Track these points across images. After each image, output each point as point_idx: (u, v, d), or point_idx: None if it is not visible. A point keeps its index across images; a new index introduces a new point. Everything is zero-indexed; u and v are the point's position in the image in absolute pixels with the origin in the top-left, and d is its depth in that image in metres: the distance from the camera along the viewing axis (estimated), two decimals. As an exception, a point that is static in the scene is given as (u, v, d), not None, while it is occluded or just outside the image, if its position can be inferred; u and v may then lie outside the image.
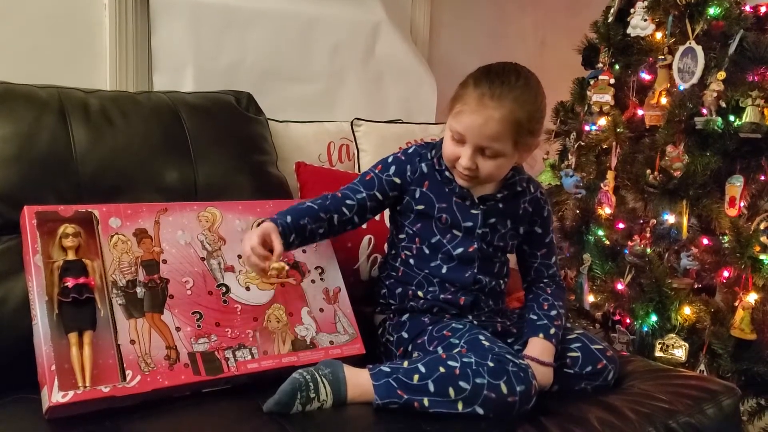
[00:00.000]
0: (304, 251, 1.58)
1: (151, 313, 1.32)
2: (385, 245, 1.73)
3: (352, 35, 2.43)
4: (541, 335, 1.48)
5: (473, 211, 1.52)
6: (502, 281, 1.61)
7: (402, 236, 1.58)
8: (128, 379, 1.23)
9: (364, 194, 1.54)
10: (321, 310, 1.52)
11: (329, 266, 1.59)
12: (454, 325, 1.46)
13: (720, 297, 2.06)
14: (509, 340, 1.53)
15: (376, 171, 1.57)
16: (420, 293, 1.54)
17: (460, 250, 1.53)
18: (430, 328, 1.48)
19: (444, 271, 1.53)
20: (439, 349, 1.40)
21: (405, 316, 1.55)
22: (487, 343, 1.35)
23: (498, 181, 1.53)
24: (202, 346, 1.33)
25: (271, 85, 2.24)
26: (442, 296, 1.53)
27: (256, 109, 1.96)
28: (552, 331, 1.48)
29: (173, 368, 1.28)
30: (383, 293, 1.62)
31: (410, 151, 1.58)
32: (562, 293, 1.64)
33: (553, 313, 1.54)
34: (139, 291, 1.33)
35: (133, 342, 1.27)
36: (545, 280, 1.64)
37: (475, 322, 1.51)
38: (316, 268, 1.58)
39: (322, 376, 1.28)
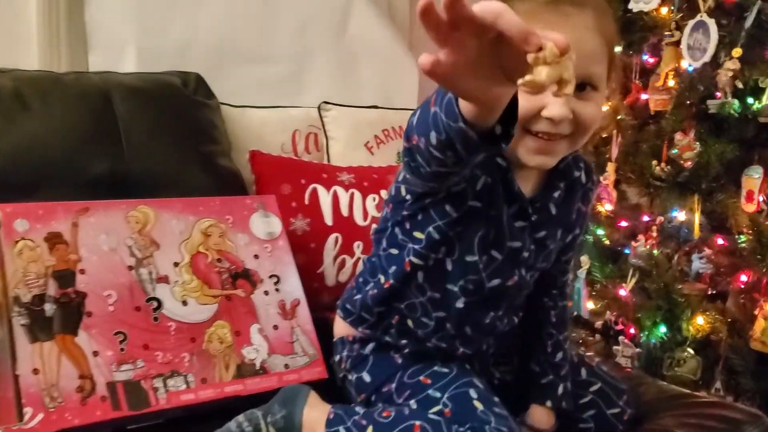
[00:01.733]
0: (256, 256, 1.41)
1: (62, 334, 1.15)
2: (374, 236, 1.26)
3: (320, 11, 2.30)
4: (548, 403, 1.24)
5: (518, 224, 1.12)
6: (515, 320, 1.27)
7: (419, 235, 1.12)
8: (27, 418, 1.05)
9: None
10: (275, 327, 1.36)
11: (287, 274, 1.44)
12: (436, 368, 1.16)
13: (737, 304, 1.96)
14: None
15: None
16: (410, 322, 1.19)
17: (495, 282, 1.13)
18: (401, 372, 1.18)
19: (460, 305, 1.15)
20: (412, 403, 1.13)
21: (369, 347, 1.23)
22: (480, 407, 1.07)
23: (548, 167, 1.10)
24: (124, 374, 1.16)
25: (228, 66, 2.10)
26: (435, 338, 1.19)
27: (206, 93, 1.82)
28: (560, 391, 1.25)
29: (86, 402, 1.11)
30: (356, 299, 1.24)
31: None
32: (566, 310, 1.33)
33: (559, 357, 1.27)
34: (49, 308, 1.16)
35: (36, 371, 1.09)
36: (553, 292, 1.30)
37: (467, 366, 1.20)
38: (270, 276, 1.42)
39: (270, 425, 1.10)
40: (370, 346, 1.23)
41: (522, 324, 1.28)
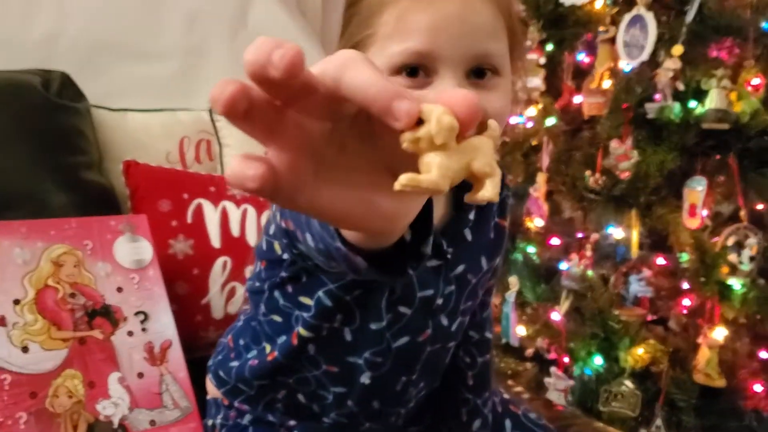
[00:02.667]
0: (119, 290, 1.27)
1: None
2: (249, 295, 1.08)
3: (214, 2, 2.17)
4: None
5: (432, 263, 0.95)
6: (433, 385, 1.10)
7: (306, 301, 0.94)
8: None
9: None
10: (140, 375, 1.21)
11: (157, 310, 1.29)
12: None
13: (679, 332, 1.92)
14: None
15: None
16: (301, 397, 1.02)
17: (403, 340, 0.95)
18: None
19: (365, 380, 0.98)
20: None
21: (248, 417, 1.07)
22: None
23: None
24: None
25: (105, 64, 1.93)
26: (334, 414, 1.02)
27: (72, 95, 1.66)
28: None
29: None
30: (232, 367, 1.06)
31: None
32: (488, 366, 1.14)
33: (477, 426, 1.10)
34: None
35: None
36: (471, 337, 1.11)
37: None
38: (136, 314, 1.27)
39: None
40: (248, 418, 1.07)
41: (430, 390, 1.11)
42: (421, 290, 0.92)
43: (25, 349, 1.12)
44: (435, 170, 0.40)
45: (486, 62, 0.83)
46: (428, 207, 0.55)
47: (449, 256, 0.93)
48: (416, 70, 0.81)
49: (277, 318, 0.97)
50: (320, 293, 0.89)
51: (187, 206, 1.60)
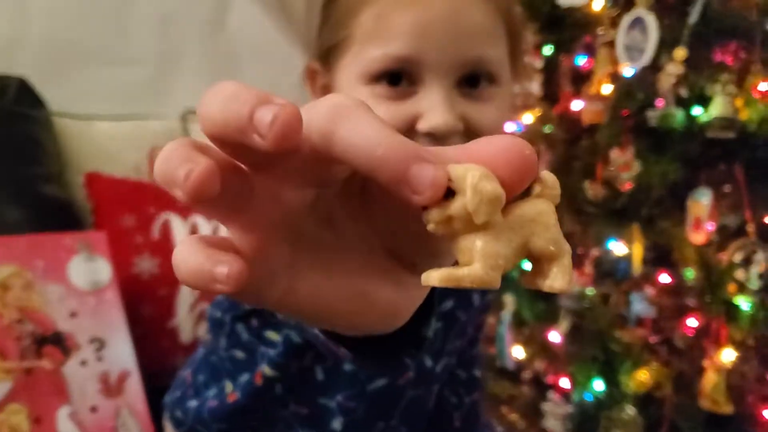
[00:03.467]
0: (73, 315, 1.22)
1: None
2: (209, 325, 1.00)
3: (189, 4, 2.15)
4: None
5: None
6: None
7: (273, 337, 0.89)
8: None
9: None
10: (93, 409, 1.19)
11: (114, 336, 1.27)
12: None
13: (684, 354, 1.85)
14: None
15: None
16: None
17: (381, 383, 0.87)
18: None
19: (336, 426, 0.89)
20: None
21: None
22: None
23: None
24: None
25: (69, 69, 1.92)
26: None
27: (31, 102, 1.66)
28: None
29: None
30: (189, 409, 0.96)
31: None
32: (477, 406, 1.06)
33: None
34: None
35: None
36: (458, 371, 1.02)
37: None
38: (91, 341, 1.25)
39: None
40: None
41: None
42: None
43: None
44: (479, 260, 0.31)
45: (480, 69, 0.77)
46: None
47: (437, 326, 0.86)
48: (398, 77, 0.77)
49: (240, 354, 0.90)
50: (288, 330, 0.82)
51: (153, 221, 1.57)
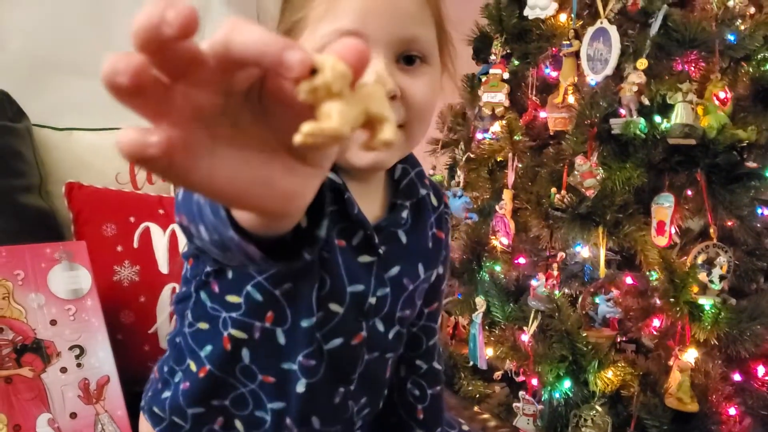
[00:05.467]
0: (53, 323, 1.18)
1: None
2: (176, 307, 1.01)
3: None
4: None
5: (363, 260, 0.91)
6: (380, 402, 1.04)
7: (234, 299, 0.89)
8: None
9: None
10: (73, 415, 1.13)
11: (94, 343, 1.21)
12: None
13: (650, 354, 1.85)
14: None
15: None
16: (238, 423, 0.94)
17: (336, 342, 0.90)
18: None
19: (300, 389, 0.90)
20: None
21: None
22: None
23: (382, 178, 0.96)
24: None
25: (49, 81, 1.86)
26: None
27: (12, 114, 1.59)
28: None
29: None
30: (164, 400, 0.96)
31: None
32: (439, 399, 1.10)
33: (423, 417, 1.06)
34: None
35: None
36: (419, 368, 1.08)
37: None
38: (71, 348, 1.19)
39: None
40: None
41: (380, 423, 1.05)
42: (351, 285, 0.88)
43: None
44: (335, 117, 0.40)
45: (414, 48, 0.84)
46: (321, 193, 0.54)
47: (381, 251, 0.91)
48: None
49: (204, 325, 0.91)
50: (249, 287, 0.86)
51: (133, 230, 1.51)
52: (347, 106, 0.41)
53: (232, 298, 0.87)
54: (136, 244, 1.49)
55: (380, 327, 0.94)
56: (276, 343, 0.88)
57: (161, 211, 1.55)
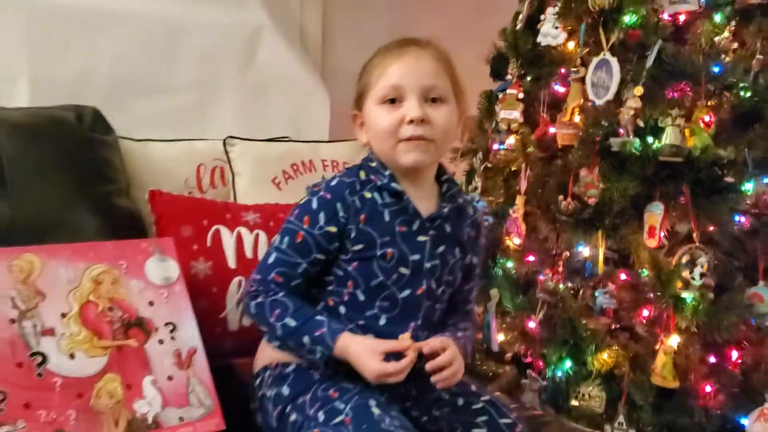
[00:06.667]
0: (151, 303, 1.37)
1: (-66, 396, 1.09)
2: None
3: (227, 41, 2.27)
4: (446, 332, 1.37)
5: (421, 239, 1.33)
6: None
7: (329, 278, 1.34)
8: None
9: (304, 264, 1.31)
10: (170, 378, 1.31)
11: (183, 321, 1.39)
12: (344, 383, 1.26)
13: (639, 339, 1.99)
14: (407, 404, 1.35)
15: (304, 227, 1.32)
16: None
17: (406, 292, 1.32)
18: (317, 385, 1.28)
19: (382, 323, 1.31)
20: (320, 415, 1.21)
21: (291, 367, 1.33)
22: (376, 412, 1.17)
23: (434, 187, 1.40)
24: None
25: (128, 98, 2.06)
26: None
27: (103, 128, 1.78)
28: (458, 334, 1.38)
29: (-40, 470, 1.05)
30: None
31: (335, 183, 1.34)
32: (473, 329, 1.48)
33: (462, 325, 1.43)
34: None
35: None
36: (457, 315, 1.46)
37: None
38: (166, 324, 1.37)
39: None
40: (292, 367, 1.33)
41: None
42: (412, 255, 1.31)
43: (72, 356, 1.23)
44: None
45: (434, 92, 1.29)
46: None
47: (431, 234, 1.33)
48: (393, 100, 1.29)
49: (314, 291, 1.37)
50: (339, 267, 1.33)
51: (206, 232, 1.69)
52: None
53: (328, 278, 1.34)
54: (209, 244, 1.67)
55: (433, 285, 1.35)
56: (357, 300, 1.32)
57: (228, 216, 1.73)
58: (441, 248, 1.35)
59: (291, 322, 1.25)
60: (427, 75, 1.28)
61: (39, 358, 1.20)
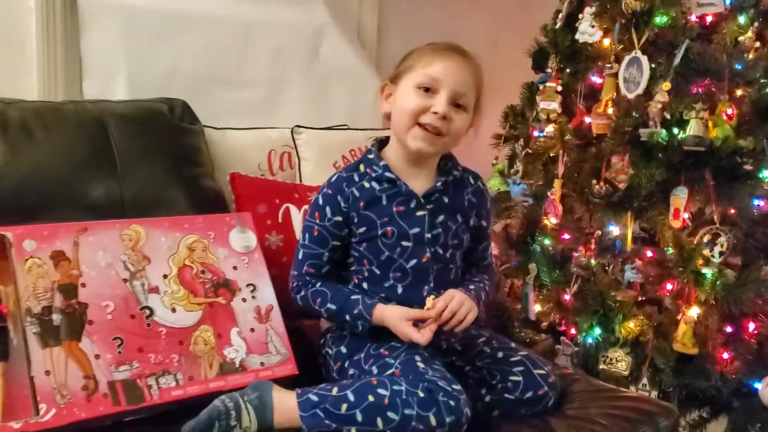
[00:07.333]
0: (235, 268, 1.55)
1: (68, 340, 1.29)
2: None
3: (294, 39, 2.41)
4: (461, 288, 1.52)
5: (419, 213, 1.49)
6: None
7: (350, 260, 1.54)
8: (42, 413, 1.20)
9: (326, 253, 1.52)
10: (252, 330, 1.49)
11: (262, 283, 1.57)
12: (393, 343, 1.44)
13: (663, 310, 2.07)
14: (453, 358, 1.53)
15: (317, 221, 1.52)
16: None
17: (413, 262, 1.49)
18: (369, 345, 1.46)
19: (400, 291, 1.50)
20: (374, 369, 1.40)
21: (347, 330, 1.52)
22: (421, 365, 1.35)
23: (434, 168, 1.55)
24: (122, 374, 1.30)
25: (209, 91, 2.21)
26: None
27: (191, 118, 1.94)
28: (470, 287, 1.54)
29: (91, 399, 1.25)
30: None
31: (334, 179, 1.54)
32: (493, 275, 1.70)
33: (476, 279, 1.61)
34: (56, 318, 1.30)
35: (48, 373, 1.24)
36: (476, 269, 1.65)
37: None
38: (247, 285, 1.55)
39: (247, 402, 1.28)
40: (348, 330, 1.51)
41: None
42: (411, 229, 1.48)
43: (173, 310, 1.42)
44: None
45: (460, 99, 1.44)
46: None
47: (429, 208, 1.49)
48: (428, 89, 1.43)
49: (344, 273, 1.57)
50: (352, 250, 1.52)
51: (278, 209, 1.86)
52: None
53: (349, 260, 1.53)
54: (280, 219, 1.85)
55: (439, 251, 1.51)
56: (375, 274, 1.50)
57: (296, 195, 1.90)
58: (440, 218, 1.51)
59: (332, 306, 1.47)
60: (462, 83, 1.44)
61: (147, 312, 1.39)
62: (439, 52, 1.46)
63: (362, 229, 1.49)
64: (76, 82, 2.05)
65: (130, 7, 2.10)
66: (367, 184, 1.51)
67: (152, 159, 1.74)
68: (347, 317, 1.45)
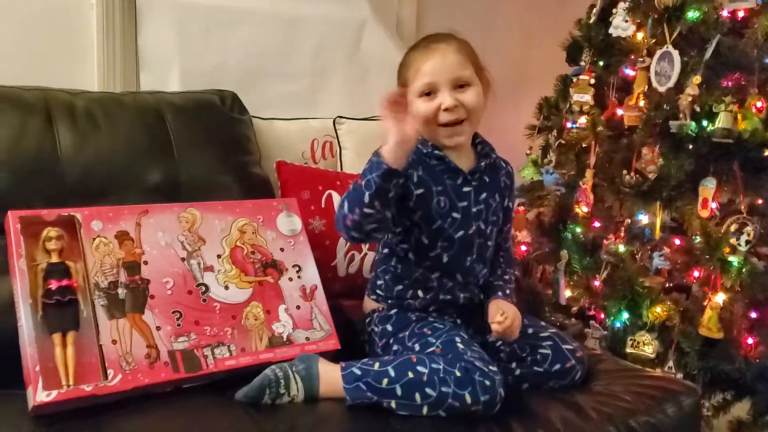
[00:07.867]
0: (282, 249, 1.62)
1: (132, 313, 1.38)
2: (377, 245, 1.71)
3: (336, 33, 2.47)
4: (499, 294, 1.61)
5: (465, 189, 1.57)
6: (488, 269, 1.67)
7: (398, 230, 1.57)
8: (110, 377, 1.29)
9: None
10: (298, 307, 1.57)
11: (306, 264, 1.64)
12: (435, 324, 1.52)
13: (690, 296, 2.11)
14: (487, 336, 1.57)
15: None
16: (420, 292, 1.59)
17: (460, 233, 1.56)
18: (413, 324, 1.54)
19: (445, 260, 1.57)
20: (416, 346, 1.48)
21: (393, 311, 1.60)
22: (461, 346, 1.41)
23: (470, 149, 1.63)
24: (181, 345, 1.39)
25: (256, 83, 2.27)
26: (441, 294, 1.59)
27: (240, 109, 2.00)
28: (508, 290, 1.63)
29: (153, 366, 1.34)
30: (380, 285, 1.65)
31: None
32: (513, 260, 1.77)
33: (503, 273, 1.69)
34: (121, 292, 1.39)
35: (114, 342, 1.33)
36: (500, 256, 1.72)
37: (458, 321, 1.59)
38: (293, 266, 1.62)
39: (295, 372, 1.36)
40: (395, 311, 1.61)
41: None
42: (460, 202, 1.56)
43: (226, 287, 1.50)
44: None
45: (461, 80, 1.50)
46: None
47: (474, 184, 1.58)
48: (428, 93, 1.50)
49: (386, 250, 1.64)
50: (404, 219, 1.54)
51: (321, 195, 1.92)
52: None
53: (397, 230, 1.57)
54: (323, 205, 1.91)
55: (482, 225, 1.59)
56: (422, 244, 1.56)
57: (338, 183, 1.96)
58: (483, 195, 1.60)
59: (355, 185, 1.39)
60: (453, 68, 1.50)
61: (203, 288, 1.48)
62: (421, 53, 1.53)
63: (420, 190, 1.53)
64: (133, 74, 2.13)
65: (184, 3, 2.17)
66: (425, 150, 1.57)
67: (206, 147, 1.81)
68: (368, 176, 1.35)
